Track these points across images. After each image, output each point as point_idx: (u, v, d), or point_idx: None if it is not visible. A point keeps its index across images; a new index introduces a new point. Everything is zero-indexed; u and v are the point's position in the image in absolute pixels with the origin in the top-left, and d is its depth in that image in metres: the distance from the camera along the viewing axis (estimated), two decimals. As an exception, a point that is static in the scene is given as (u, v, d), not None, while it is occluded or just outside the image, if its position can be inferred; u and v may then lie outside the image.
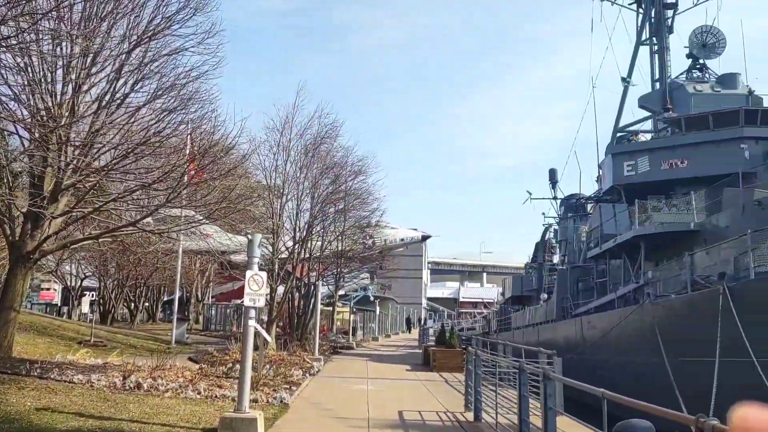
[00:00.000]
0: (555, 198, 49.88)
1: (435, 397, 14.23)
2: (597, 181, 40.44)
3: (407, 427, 10.30)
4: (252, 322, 9.36)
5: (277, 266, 23.25)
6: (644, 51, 33.74)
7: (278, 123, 24.71)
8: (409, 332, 67.85)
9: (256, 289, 9.32)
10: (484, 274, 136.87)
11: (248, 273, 9.36)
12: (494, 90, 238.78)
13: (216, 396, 12.32)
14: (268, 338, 14.83)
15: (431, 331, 38.57)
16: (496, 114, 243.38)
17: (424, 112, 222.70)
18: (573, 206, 49.18)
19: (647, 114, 34.54)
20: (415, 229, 54.20)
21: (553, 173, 51.39)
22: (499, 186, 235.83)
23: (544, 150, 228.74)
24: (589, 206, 40.62)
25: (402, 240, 50.48)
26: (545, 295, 35.47)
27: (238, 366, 16.10)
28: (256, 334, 10.47)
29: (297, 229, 25.21)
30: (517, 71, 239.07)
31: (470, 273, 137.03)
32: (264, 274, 9.58)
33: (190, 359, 20.19)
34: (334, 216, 27.73)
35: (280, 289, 27.32)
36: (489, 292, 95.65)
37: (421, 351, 29.53)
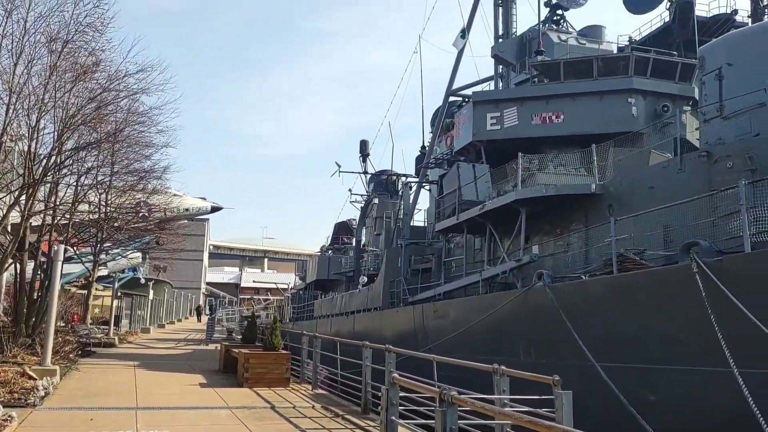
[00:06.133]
0: (365, 173, 44.87)
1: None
2: (422, 150, 35.89)
3: None
4: None
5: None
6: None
7: (4, -2, 15.38)
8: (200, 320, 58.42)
9: None
10: (266, 260, 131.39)
11: None
12: (294, 72, 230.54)
13: None
14: None
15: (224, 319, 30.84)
16: (287, 98, 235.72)
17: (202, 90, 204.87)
18: (383, 183, 44.57)
19: (486, 77, 30.58)
20: (204, 199, 45.32)
21: (363, 145, 46.17)
22: (288, 172, 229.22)
23: (336, 139, 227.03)
24: (405, 185, 35.96)
25: (187, 210, 41.41)
26: (365, 278, 29.67)
27: None
28: None
29: (28, 169, 16.06)
30: (332, 54, 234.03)
31: (251, 258, 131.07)
32: None
33: None
34: (98, 152, 18.79)
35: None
36: (277, 277, 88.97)
37: (214, 349, 21.81)
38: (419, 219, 32.28)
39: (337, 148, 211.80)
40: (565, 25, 25.97)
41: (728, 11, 24.85)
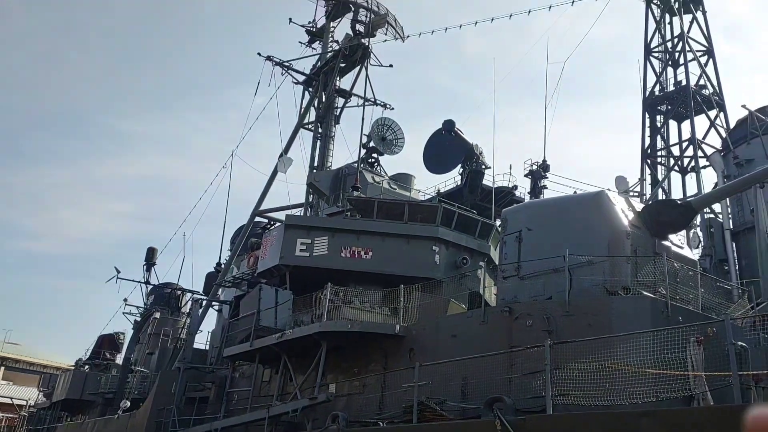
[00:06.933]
0: (147, 283, 41.20)
1: None
2: (217, 268, 34.03)
3: None
4: None
5: None
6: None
7: None
8: None
9: None
10: (2, 369, 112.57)
11: None
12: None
13: None
14: None
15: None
16: (65, 193, 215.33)
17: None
18: (166, 297, 41.36)
19: (297, 203, 30.56)
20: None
21: (151, 253, 42.79)
22: (51, 272, 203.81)
23: (117, 244, 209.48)
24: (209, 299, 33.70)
25: None
26: (127, 403, 25.96)
27: None
28: None
29: None
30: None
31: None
32: None
33: None
34: None
35: None
36: (13, 390, 76.05)
37: None
38: (200, 341, 29.79)
39: (115, 254, 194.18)
40: (378, 168, 27.09)
41: (510, 185, 27.87)
